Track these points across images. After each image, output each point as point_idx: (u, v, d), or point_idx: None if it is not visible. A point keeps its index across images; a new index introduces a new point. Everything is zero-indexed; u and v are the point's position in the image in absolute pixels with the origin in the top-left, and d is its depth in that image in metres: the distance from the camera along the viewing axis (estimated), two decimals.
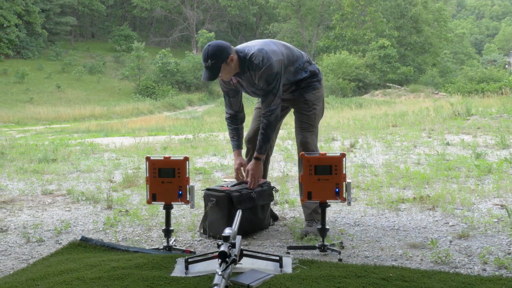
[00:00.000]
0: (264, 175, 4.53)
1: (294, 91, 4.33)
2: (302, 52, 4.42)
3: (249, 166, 4.25)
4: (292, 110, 4.53)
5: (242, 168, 4.38)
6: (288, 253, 3.73)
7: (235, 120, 4.44)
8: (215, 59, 3.91)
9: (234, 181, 4.48)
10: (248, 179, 4.24)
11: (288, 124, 12.36)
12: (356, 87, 44.31)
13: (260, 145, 4.20)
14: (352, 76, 44.30)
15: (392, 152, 8.92)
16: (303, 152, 3.81)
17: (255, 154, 4.24)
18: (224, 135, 13.33)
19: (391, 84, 43.55)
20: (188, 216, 4.99)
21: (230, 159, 8.70)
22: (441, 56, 60.38)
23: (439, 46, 59.08)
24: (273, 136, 4.33)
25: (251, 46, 4.12)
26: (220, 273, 2.79)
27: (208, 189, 4.33)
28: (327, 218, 4.59)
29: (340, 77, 43.44)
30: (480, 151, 8.10)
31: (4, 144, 11.49)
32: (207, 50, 3.92)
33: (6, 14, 51.86)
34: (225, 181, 6.32)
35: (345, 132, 12.54)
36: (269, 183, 4.52)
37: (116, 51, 61.17)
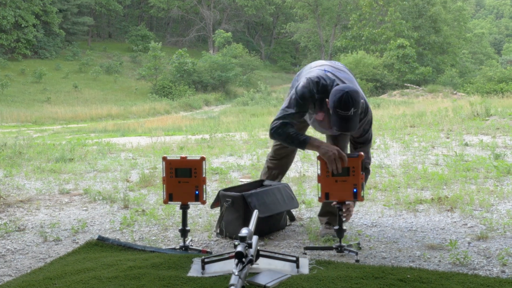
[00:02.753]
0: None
1: None
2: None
3: (350, 204, 3.77)
4: None
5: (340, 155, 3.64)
6: (305, 253, 3.72)
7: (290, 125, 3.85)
8: (357, 108, 3.47)
9: (250, 181, 4.47)
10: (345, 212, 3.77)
11: None
12: (373, 87, 44.16)
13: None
14: (369, 76, 44.17)
15: (410, 152, 8.87)
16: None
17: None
18: (240, 135, 13.33)
19: (409, 85, 43.33)
20: (205, 216, 4.98)
21: (246, 159, 8.69)
22: (459, 56, 59.98)
23: (458, 46, 58.67)
24: None
25: (348, 84, 3.67)
26: (236, 273, 2.77)
27: (224, 190, 4.32)
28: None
29: (358, 77, 43.32)
30: (499, 151, 8.02)
31: (21, 143, 11.55)
32: (348, 97, 3.41)
33: (24, 14, 52.27)
34: (241, 181, 6.32)
35: None
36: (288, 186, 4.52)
37: (133, 51, 61.42)
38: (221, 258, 3.32)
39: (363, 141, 3.89)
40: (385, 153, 8.87)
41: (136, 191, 6.34)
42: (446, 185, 6.04)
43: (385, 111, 21.21)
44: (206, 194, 3.80)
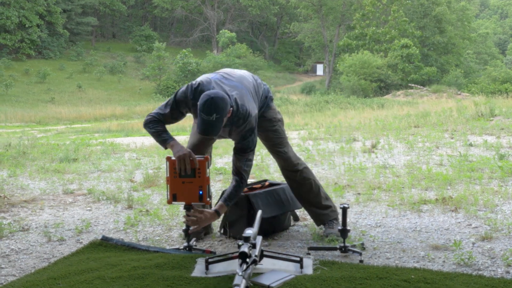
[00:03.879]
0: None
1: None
2: (259, 80, 4.12)
3: (206, 212, 3.68)
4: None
5: (189, 158, 3.65)
6: (309, 254, 3.71)
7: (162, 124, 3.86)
8: (220, 113, 3.44)
9: (253, 181, 4.47)
10: (196, 219, 3.66)
11: (309, 125, 12.33)
12: (377, 87, 44.14)
13: (230, 198, 3.75)
14: (374, 76, 44.13)
15: (414, 153, 8.85)
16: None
17: (219, 205, 3.74)
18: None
19: (413, 85, 43.29)
20: None
21: None
22: (464, 57, 59.91)
23: (462, 46, 58.59)
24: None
25: (232, 94, 3.69)
26: (240, 273, 2.77)
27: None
28: (348, 219, 4.57)
29: (362, 77, 43.30)
30: (503, 152, 8.00)
31: (26, 143, 11.57)
32: (211, 102, 3.41)
33: (28, 15, 52.43)
34: None
35: (367, 133, 12.47)
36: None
37: (137, 51, 61.56)
38: (225, 258, 3.32)
39: (241, 148, 3.77)
40: (389, 153, 8.86)
41: (140, 191, 6.34)
42: (450, 186, 6.02)
43: (389, 111, 21.20)
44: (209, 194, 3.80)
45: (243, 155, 3.76)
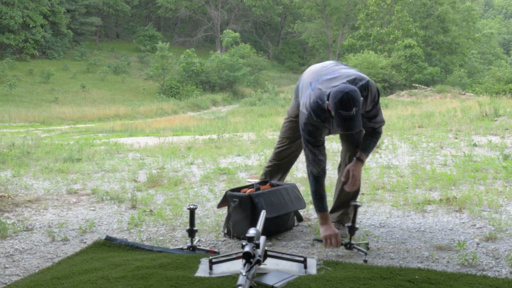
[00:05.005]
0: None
1: None
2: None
3: (351, 166, 3.89)
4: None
5: (333, 237, 3.75)
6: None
7: (324, 176, 3.86)
8: (359, 106, 3.44)
9: (257, 181, 4.47)
10: (348, 179, 3.90)
11: None
12: (381, 87, 44.08)
13: (369, 149, 3.94)
14: (378, 77, 44.08)
15: (418, 153, 8.84)
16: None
17: (359, 155, 3.90)
18: (248, 135, 13.32)
19: (417, 85, 43.22)
20: (212, 216, 4.98)
21: (254, 160, 8.68)
22: (468, 57, 59.81)
23: (467, 46, 58.51)
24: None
25: (341, 80, 3.69)
26: (244, 273, 2.77)
27: (231, 190, 4.32)
28: None
29: None
30: (508, 152, 7.98)
31: (29, 143, 11.58)
32: (351, 96, 3.41)
33: (32, 15, 52.45)
34: (249, 181, 6.31)
35: None
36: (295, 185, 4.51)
37: (140, 51, 61.56)
38: (228, 258, 3.31)
39: (374, 114, 3.86)
40: (393, 154, 8.85)
41: (144, 191, 6.34)
42: (454, 186, 6.01)
43: (393, 112, 21.15)
44: None
45: (377, 120, 3.90)
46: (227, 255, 3.37)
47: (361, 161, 3.90)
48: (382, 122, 3.93)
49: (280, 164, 4.63)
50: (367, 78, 3.74)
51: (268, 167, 4.69)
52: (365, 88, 3.68)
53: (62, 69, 51.85)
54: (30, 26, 52.68)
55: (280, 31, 75.96)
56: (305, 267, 3.30)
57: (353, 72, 3.79)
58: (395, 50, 48.50)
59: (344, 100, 3.41)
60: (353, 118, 3.43)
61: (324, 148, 3.82)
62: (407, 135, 11.49)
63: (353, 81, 3.65)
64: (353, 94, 3.42)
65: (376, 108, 3.83)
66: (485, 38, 72.00)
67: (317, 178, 3.79)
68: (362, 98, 3.51)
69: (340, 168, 4.33)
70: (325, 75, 3.82)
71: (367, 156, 3.95)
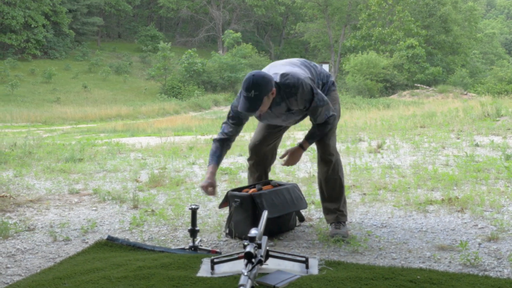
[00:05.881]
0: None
1: None
2: (313, 63, 4.36)
3: (291, 149, 4.20)
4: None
5: (210, 188, 4.03)
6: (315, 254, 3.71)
7: (225, 144, 4.17)
8: (259, 91, 3.71)
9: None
10: (285, 159, 4.24)
11: None
12: (383, 87, 44.07)
13: (313, 137, 4.15)
14: (379, 76, 44.06)
15: (420, 153, 8.84)
16: None
17: (302, 142, 4.17)
18: (249, 135, 13.32)
19: (419, 85, 43.21)
20: (214, 216, 4.98)
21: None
22: (470, 56, 59.76)
23: (469, 46, 58.45)
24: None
25: (275, 72, 3.98)
26: (246, 273, 2.76)
27: (233, 190, 4.32)
28: (354, 219, 4.57)
29: (368, 78, 43.23)
30: (510, 152, 7.97)
31: (31, 143, 11.59)
32: (252, 80, 3.72)
33: (34, 15, 52.52)
34: None
35: (372, 133, 12.45)
36: (296, 185, 4.51)
37: (142, 51, 61.59)
38: (230, 258, 3.31)
39: (313, 109, 4.01)
40: (395, 154, 8.85)
41: (146, 191, 6.35)
42: (456, 186, 6.01)
43: (395, 112, 21.16)
44: None
45: (320, 116, 4.03)
46: (229, 255, 3.37)
47: (302, 147, 4.18)
48: (329, 116, 4.06)
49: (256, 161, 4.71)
50: (303, 79, 3.91)
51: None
52: (293, 86, 3.88)
53: (64, 69, 51.89)
54: (32, 26, 52.75)
55: (282, 31, 75.91)
56: (307, 267, 3.30)
57: (295, 70, 4.01)
58: (397, 50, 48.48)
59: (247, 81, 3.75)
60: (251, 100, 3.73)
61: (234, 125, 4.14)
62: (409, 135, 11.49)
63: (283, 76, 3.90)
64: (257, 80, 3.73)
65: (313, 107, 3.98)
66: (487, 38, 71.91)
67: (214, 140, 4.19)
68: (273, 88, 3.78)
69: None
70: (275, 67, 4.14)
71: (310, 143, 4.18)
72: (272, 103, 3.91)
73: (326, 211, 4.32)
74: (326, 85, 4.29)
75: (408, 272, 3.22)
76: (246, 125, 4.31)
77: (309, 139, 4.15)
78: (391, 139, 10.95)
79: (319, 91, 4.00)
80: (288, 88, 3.88)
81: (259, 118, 4.21)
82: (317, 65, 4.37)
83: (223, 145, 4.15)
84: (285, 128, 4.56)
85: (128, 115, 32.35)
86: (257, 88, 3.70)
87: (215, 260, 3.30)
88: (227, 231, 4.26)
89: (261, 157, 4.57)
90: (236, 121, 4.12)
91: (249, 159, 4.66)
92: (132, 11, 69.16)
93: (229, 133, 4.14)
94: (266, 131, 4.47)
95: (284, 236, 4.24)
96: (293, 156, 4.21)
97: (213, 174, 4.06)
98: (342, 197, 4.27)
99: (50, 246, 4.15)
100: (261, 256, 2.99)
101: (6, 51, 52.62)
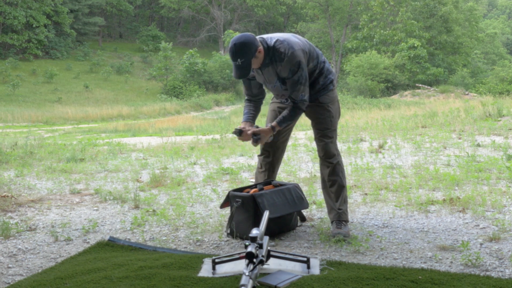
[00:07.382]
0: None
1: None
2: (319, 51, 4.35)
3: (261, 128, 4.14)
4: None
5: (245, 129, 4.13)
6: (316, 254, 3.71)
7: (252, 103, 4.32)
8: (245, 57, 3.81)
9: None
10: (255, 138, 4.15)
11: None
12: (385, 87, 44.03)
13: (283, 120, 4.13)
14: (381, 77, 44.03)
15: (421, 153, 8.83)
16: None
17: (273, 123, 4.13)
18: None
19: (420, 85, 43.17)
20: (215, 216, 4.98)
21: (257, 160, 8.67)
22: (471, 56, 59.69)
23: (470, 46, 58.39)
24: (294, 123, 4.34)
25: (273, 37, 4.04)
26: (247, 273, 2.77)
27: (234, 190, 4.32)
28: (355, 219, 4.57)
29: (369, 78, 43.21)
30: (511, 152, 7.97)
31: (33, 143, 11.60)
32: (234, 49, 3.80)
33: (35, 15, 52.56)
34: (252, 181, 6.31)
35: (374, 133, 12.44)
36: (297, 185, 4.50)
37: (143, 51, 61.63)
38: (231, 258, 3.31)
39: (292, 84, 4.03)
40: (396, 154, 8.84)
41: (147, 191, 6.35)
42: (458, 186, 6.00)
43: (396, 112, 21.15)
44: None
45: (295, 93, 4.05)
46: (230, 255, 3.37)
47: (272, 128, 4.12)
48: (303, 99, 4.08)
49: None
50: (296, 49, 3.95)
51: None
52: (283, 52, 3.94)
53: (65, 69, 51.95)
54: (33, 26, 52.80)
55: (283, 31, 75.90)
56: (308, 267, 3.30)
57: (293, 40, 4.04)
58: (399, 51, 48.45)
59: (230, 50, 3.84)
60: (240, 68, 3.84)
61: (249, 85, 4.29)
62: (410, 135, 11.48)
63: (278, 41, 3.97)
64: (239, 47, 3.80)
65: (294, 81, 4.01)
66: (489, 38, 71.86)
67: (245, 100, 4.37)
68: (258, 48, 3.87)
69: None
70: (277, 35, 4.14)
71: (279, 126, 4.14)
72: (262, 63, 4.00)
73: (328, 209, 4.35)
74: (318, 66, 4.26)
75: (410, 272, 3.22)
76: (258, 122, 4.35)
77: (280, 122, 4.12)
78: (393, 139, 10.94)
79: (306, 71, 4.03)
80: (277, 53, 3.94)
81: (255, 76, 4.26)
82: (325, 60, 4.39)
83: (249, 104, 4.31)
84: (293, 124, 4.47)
85: (129, 115, 32.37)
86: (242, 55, 3.80)
87: (217, 260, 3.30)
88: (229, 231, 4.25)
89: (274, 149, 4.56)
90: (246, 84, 4.29)
91: (260, 155, 4.66)
92: (133, 11, 69.22)
93: (250, 90, 4.31)
94: (274, 115, 4.47)
95: (285, 236, 4.23)
96: (264, 135, 4.13)
97: (245, 123, 4.18)
98: (341, 196, 4.26)
99: (51, 246, 4.15)
100: (263, 256, 2.99)
101: (7, 51, 52.65)
